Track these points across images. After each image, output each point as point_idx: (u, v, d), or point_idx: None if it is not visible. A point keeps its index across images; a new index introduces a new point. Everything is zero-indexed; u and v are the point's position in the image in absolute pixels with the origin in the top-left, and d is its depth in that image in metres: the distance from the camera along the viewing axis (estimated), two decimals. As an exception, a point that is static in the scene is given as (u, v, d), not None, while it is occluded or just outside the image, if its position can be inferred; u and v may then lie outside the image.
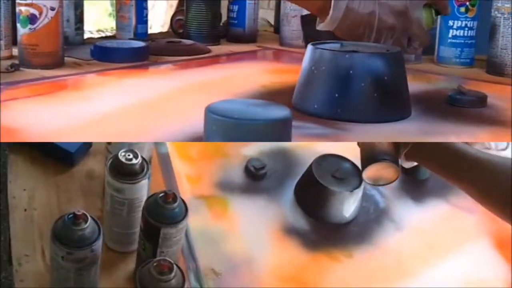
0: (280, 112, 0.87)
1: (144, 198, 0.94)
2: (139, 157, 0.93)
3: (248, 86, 1.17)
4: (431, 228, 1.20)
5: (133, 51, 1.25)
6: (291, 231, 1.13)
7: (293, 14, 1.43)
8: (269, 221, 1.13)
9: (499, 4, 1.41)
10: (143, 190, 0.95)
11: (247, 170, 1.20)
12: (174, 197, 0.90)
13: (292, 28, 1.43)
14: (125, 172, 0.92)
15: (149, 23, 1.50)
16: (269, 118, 0.84)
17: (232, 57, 1.40)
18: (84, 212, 0.84)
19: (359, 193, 1.17)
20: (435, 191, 1.26)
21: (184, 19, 1.44)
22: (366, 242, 1.15)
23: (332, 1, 0.98)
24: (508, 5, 1.40)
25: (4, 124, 0.88)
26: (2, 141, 0.85)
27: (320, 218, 1.16)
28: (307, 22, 1.25)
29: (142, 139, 0.90)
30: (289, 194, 1.19)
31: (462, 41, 1.48)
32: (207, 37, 1.41)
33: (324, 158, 1.20)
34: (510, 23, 1.40)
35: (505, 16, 1.40)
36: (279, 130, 0.87)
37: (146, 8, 1.43)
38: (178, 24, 1.50)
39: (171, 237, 0.91)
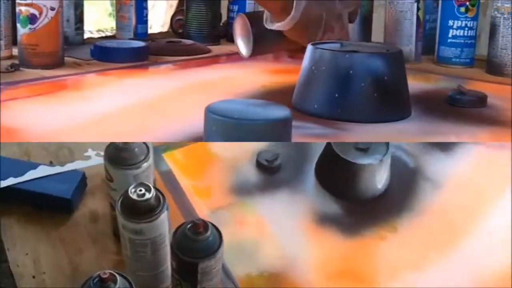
0: (280, 112, 0.87)
1: (167, 232, 0.84)
2: (152, 190, 0.81)
3: (248, 86, 1.17)
4: (470, 176, 1.12)
5: (133, 51, 1.25)
6: (325, 220, 1.03)
7: None
8: (299, 215, 1.04)
9: (499, 4, 1.41)
10: (164, 224, 0.83)
11: (259, 165, 1.10)
12: (205, 226, 0.79)
13: None
14: (140, 211, 0.81)
15: (149, 23, 1.50)
16: (269, 118, 0.84)
17: (232, 57, 1.40)
18: (112, 272, 0.75)
19: (388, 159, 1.07)
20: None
21: (184, 19, 1.44)
22: (407, 210, 1.05)
23: (295, 2, 1.02)
24: (508, 5, 1.40)
25: (4, 124, 0.88)
26: (2, 141, 0.85)
27: (352, 197, 1.07)
28: (255, 21, 1.25)
29: (142, 139, 0.89)
30: (311, 180, 1.10)
31: (462, 41, 1.48)
32: (207, 37, 1.41)
33: None
34: (510, 23, 1.40)
35: (505, 16, 1.40)
36: (279, 130, 0.87)
37: (146, 8, 1.43)
38: (178, 24, 1.50)
39: (210, 270, 0.80)
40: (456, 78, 1.37)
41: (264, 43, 1.28)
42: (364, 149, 1.06)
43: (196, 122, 0.84)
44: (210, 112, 0.76)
